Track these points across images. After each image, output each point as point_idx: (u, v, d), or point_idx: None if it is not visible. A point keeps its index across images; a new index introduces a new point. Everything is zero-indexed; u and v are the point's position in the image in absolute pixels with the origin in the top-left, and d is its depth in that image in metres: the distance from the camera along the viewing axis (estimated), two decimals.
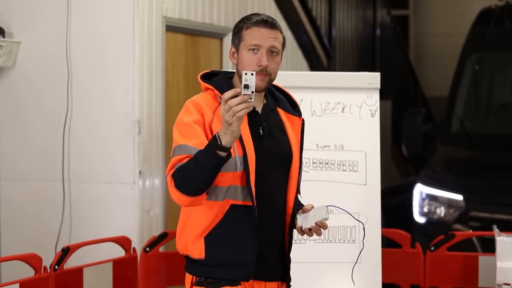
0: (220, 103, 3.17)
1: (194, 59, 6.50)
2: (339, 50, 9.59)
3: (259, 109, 3.31)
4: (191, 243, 3.26)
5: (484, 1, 9.40)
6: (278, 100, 3.42)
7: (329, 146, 4.91)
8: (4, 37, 5.91)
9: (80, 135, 5.86)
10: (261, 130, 3.27)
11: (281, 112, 3.39)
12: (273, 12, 7.69)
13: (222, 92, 3.17)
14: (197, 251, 3.24)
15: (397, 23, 11.62)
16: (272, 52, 3.24)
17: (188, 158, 3.12)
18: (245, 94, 2.98)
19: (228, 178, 3.19)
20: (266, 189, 3.25)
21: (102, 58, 5.83)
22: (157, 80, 5.95)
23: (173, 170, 3.15)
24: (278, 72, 3.31)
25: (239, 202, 3.21)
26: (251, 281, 3.25)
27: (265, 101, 3.34)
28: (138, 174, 5.72)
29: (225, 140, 3.02)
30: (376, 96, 4.96)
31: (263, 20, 3.25)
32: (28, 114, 5.99)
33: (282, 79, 3.59)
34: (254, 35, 3.23)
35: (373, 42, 10.79)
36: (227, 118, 2.98)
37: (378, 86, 4.96)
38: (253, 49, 3.23)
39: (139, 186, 5.71)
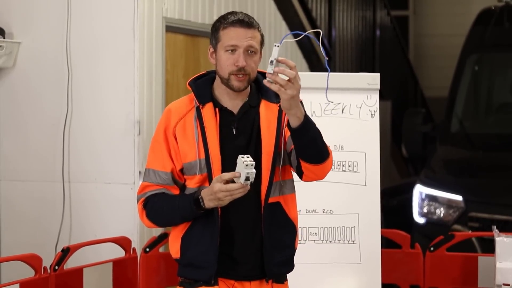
0: (194, 107, 3.26)
1: (194, 59, 6.51)
2: (339, 51, 9.59)
3: (237, 108, 3.28)
4: (171, 243, 3.33)
5: (484, 2, 9.39)
6: (264, 91, 3.31)
7: (329, 146, 4.90)
8: (4, 38, 5.91)
9: (80, 135, 5.86)
10: (234, 130, 3.26)
11: (263, 104, 3.31)
12: (273, 13, 7.69)
13: (198, 100, 3.25)
14: (174, 250, 3.31)
15: (396, 24, 11.62)
16: (249, 51, 3.20)
17: (156, 188, 3.28)
18: (244, 183, 3.08)
19: (196, 180, 3.24)
20: None
21: (102, 58, 5.83)
22: (157, 80, 5.95)
23: (143, 199, 3.32)
24: None
25: None
26: (232, 282, 3.27)
27: (247, 99, 3.30)
28: (138, 175, 5.72)
29: (208, 206, 3.16)
30: (376, 96, 4.96)
31: (239, 19, 3.20)
32: (28, 114, 5.99)
33: None
34: (231, 36, 3.19)
35: (373, 43, 10.79)
36: (222, 197, 3.09)
37: (378, 86, 4.96)
38: (230, 50, 3.19)
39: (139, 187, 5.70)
